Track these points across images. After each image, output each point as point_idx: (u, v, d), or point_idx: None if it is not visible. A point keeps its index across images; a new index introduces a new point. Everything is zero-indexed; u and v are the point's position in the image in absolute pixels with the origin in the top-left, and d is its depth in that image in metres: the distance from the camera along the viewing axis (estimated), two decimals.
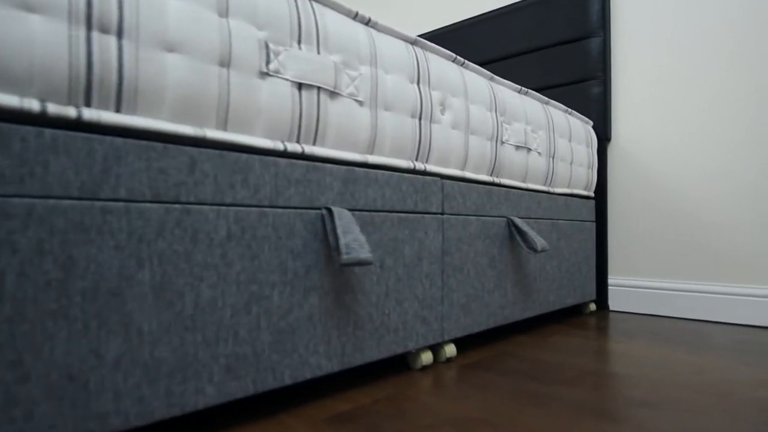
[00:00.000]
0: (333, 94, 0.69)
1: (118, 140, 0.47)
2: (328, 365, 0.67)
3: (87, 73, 0.45)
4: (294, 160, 0.64)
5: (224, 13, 0.56)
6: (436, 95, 0.87)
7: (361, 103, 0.73)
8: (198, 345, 0.53)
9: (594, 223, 1.46)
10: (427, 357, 0.85)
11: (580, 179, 1.38)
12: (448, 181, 0.90)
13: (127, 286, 0.47)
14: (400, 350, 0.79)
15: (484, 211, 0.98)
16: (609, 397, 0.70)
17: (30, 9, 0.42)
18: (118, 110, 0.48)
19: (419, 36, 2.06)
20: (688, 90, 1.40)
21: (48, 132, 0.43)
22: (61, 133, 0.43)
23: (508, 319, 1.04)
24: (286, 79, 0.63)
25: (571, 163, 1.32)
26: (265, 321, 0.59)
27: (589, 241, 1.42)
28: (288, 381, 0.62)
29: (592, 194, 1.49)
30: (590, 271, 1.42)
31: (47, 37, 0.42)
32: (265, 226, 0.60)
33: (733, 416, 0.63)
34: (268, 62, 0.61)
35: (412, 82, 0.82)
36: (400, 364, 0.87)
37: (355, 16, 0.75)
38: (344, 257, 0.62)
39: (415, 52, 0.85)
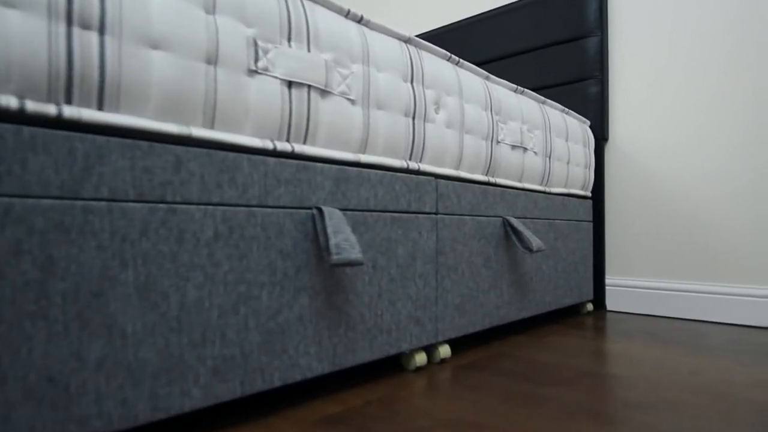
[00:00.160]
0: (324, 92, 0.68)
1: (101, 138, 0.46)
2: (319, 367, 0.66)
3: (67, 69, 0.44)
4: (284, 159, 0.63)
5: (211, 10, 0.56)
6: (430, 94, 0.86)
7: (353, 101, 0.72)
8: (184, 346, 0.52)
9: (591, 223, 1.45)
10: (420, 358, 0.84)
11: (577, 179, 1.37)
12: (442, 181, 0.89)
13: (110, 286, 0.47)
14: (393, 351, 0.78)
15: (480, 211, 0.98)
16: (605, 398, 0.69)
17: (8, 4, 0.41)
18: (100, 108, 0.47)
19: (417, 36, 2.05)
20: (686, 90, 1.39)
21: (27, 130, 0.42)
22: (40, 131, 0.43)
23: (503, 320, 1.03)
24: (276, 77, 0.62)
25: (568, 163, 1.32)
26: (254, 321, 0.59)
27: (586, 241, 1.41)
28: (277, 383, 0.61)
29: (589, 194, 1.48)
30: (587, 271, 1.41)
31: (26, 34, 0.41)
32: (253, 225, 0.59)
33: (729, 417, 0.62)
34: (256, 60, 0.60)
35: (405, 81, 0.81)
36: (393, 366, 0.86)
37: (347, 14, 0.75)
38: (334, 257, 0.61)
39: (408, 50, 0.84)
